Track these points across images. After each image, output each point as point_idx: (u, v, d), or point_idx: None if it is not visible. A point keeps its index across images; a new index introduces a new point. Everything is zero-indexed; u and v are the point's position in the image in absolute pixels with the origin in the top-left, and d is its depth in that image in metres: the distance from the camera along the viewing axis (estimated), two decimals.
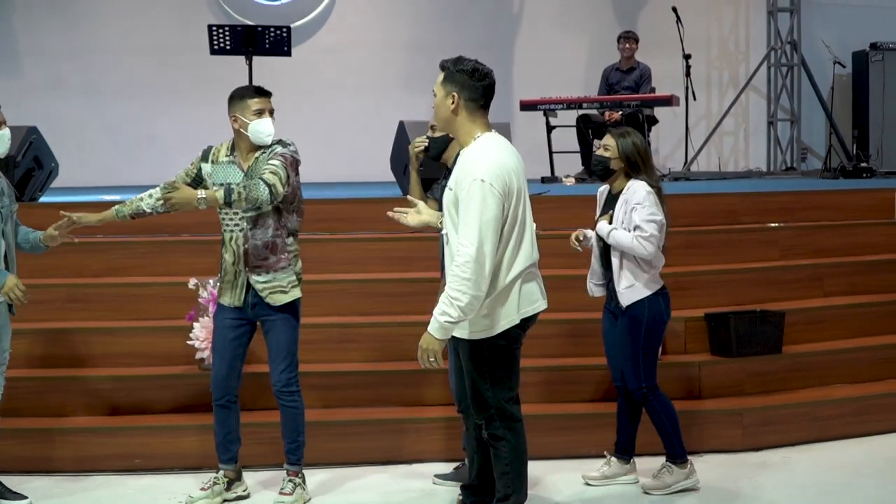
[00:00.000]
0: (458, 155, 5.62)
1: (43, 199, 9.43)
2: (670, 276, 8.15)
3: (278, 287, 6.17)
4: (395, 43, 14.58)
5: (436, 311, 5.11)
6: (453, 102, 5.32)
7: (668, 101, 12.24)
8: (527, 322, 5.33)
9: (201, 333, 7.17)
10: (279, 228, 6.14)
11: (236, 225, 6.15)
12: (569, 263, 7.68)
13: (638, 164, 6.43)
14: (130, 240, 8.39)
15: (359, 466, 6.96)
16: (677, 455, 6.50)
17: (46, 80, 14.06)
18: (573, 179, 11.99)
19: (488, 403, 5.33)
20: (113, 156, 13.71)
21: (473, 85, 5.37)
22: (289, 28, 11.18)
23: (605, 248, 6.47)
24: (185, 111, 13.78)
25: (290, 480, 6.32)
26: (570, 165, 12.54)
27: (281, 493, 6.29)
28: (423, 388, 7.32)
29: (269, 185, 5.90)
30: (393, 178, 9.85)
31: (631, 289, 6.36)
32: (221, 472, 6.39)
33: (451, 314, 5.06)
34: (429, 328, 5.12)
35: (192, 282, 7.34)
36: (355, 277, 8.12)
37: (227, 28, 11.08)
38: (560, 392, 7.48)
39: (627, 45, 12.77)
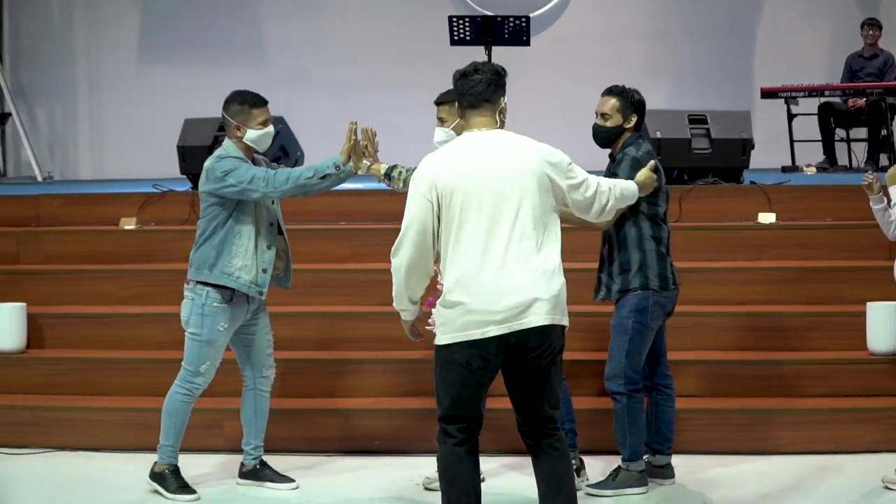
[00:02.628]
0: (624, 144, 6.12)
1: None
2: None
3: None
4: (634, 31, 14.44)
5: None
6: (461, 112, 5.25)
7: None
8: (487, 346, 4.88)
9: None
10: None
11: None
12: None
13: None
14: (369, 227, 8.59)
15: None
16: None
17: (291, 72, 14.44)
18: (814, 169, 11.72)
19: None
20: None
21: (462, 91, 5.17)
22: (528, 18, 11.21)
23: None
24: (425, 102, 13.90)
25: None
26: (811, 154, 12.24)
27: None
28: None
29: None
30: None
31: None
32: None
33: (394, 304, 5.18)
34: None
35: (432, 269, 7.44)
36: None
37: (466, 19, 11.19)
38: None
39: (871, 32, 12.44)
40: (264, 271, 6.40)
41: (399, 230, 5.00)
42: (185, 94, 14.08)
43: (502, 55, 11.32)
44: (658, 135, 9.63)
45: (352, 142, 6.27)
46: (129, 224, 9.32)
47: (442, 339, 4.96)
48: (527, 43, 11.23)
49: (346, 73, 14.23)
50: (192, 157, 10.08)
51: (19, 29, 15.04)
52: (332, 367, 7.75)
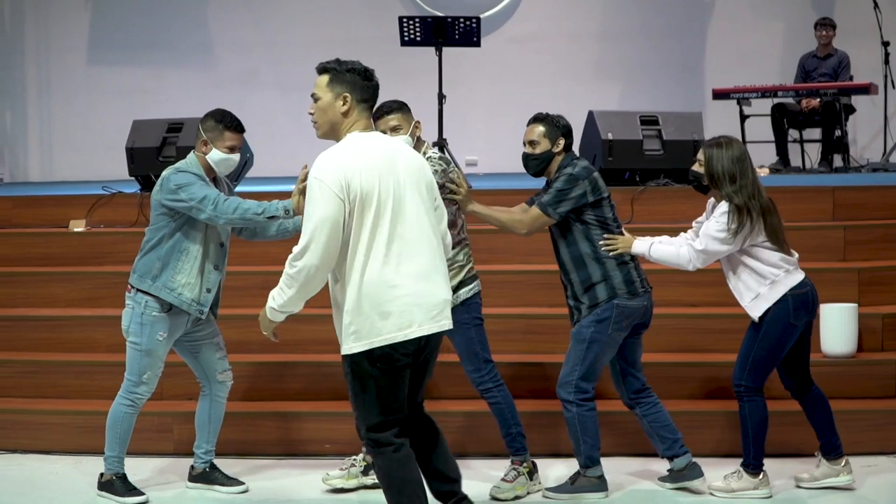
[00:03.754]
0: (559, 168, 6.13)
1: (238, 188, 9.63)
2: (867, 272, 7.99)
3: None
4: (584, 32, 14.47)
5: (271, 292, 5.02)
6: (345, 104, 5.07)
7: (867, 89, 11.93)
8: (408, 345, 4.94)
9: None
10: None
11: None
12: None
13: (720, 181, 6.22)
14: None
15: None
16: (750, 464, 6.35)
17: (240, 73, 14.40)
18: (767, 170, 11.76)
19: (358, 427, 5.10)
20: (301, 146, 13.92)
21: (365, 85, 5.14)
22: (478, 19, 11.20)
23: None
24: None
25: (513, 469, 6.50)
26: (764, 155, 12.30)
27: (502, 480, 6.48)
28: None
29: None
30: None
31: (756, 300, 6.23)
32: (361, 455, 6.58)
33: (272, 303, 5.02)
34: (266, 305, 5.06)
35: None
36: (534, 268, 8.16)
37: (417, 19, 11.17)
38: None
39: (825, 33, 12.48)
40: (208, 291, 6.39)
41: None
42: (134, 95, 14.05)
43: (453, 56, 11.35)
44: (610, 136, 9.65)
45: (302, 184, 5.89)
46: (78, 226, 9.26)
47: (357, 346, 4.91)
48: (477, 44, 11.22)
49: (295, 74, 14.15)
50: (140, 159, 10.04)
51: None
52: (279, 369, 7.76)
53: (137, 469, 6.72)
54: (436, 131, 10.68)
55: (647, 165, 9.70)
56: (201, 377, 6.65)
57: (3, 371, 7.94)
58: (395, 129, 6.34)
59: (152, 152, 9.96)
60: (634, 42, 14.36)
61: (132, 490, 6.46)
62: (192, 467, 6.72)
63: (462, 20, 11.10)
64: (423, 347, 5.01)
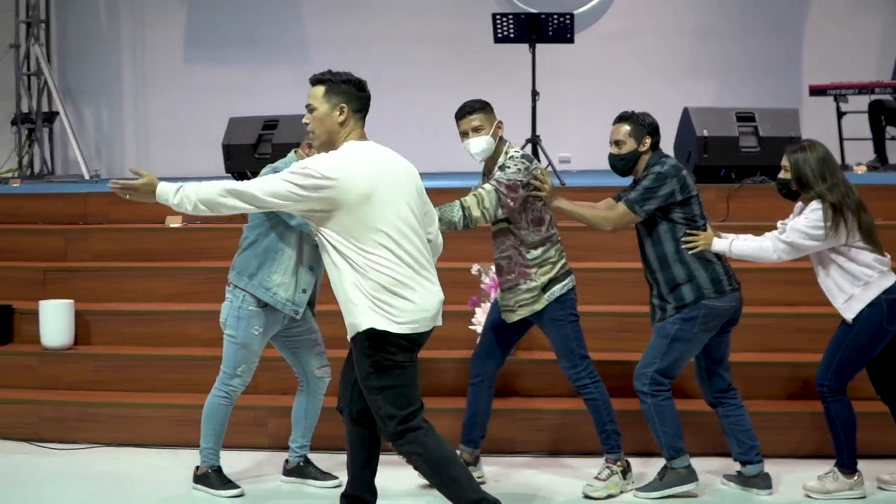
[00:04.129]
0: (646, 166, 6.21)
1: None
2: None
3: (507, 307, 6.47)
4: (677, 29, 14.34)
5: (174, 186, 5.15)
6: (342, 114, 5.30)
7: None
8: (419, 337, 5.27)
9: (483, 319, 7.25)
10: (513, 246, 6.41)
11: None
12: None
13: (811, 182, 6.15)
14: None
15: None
16: (844, 464, 6.26)
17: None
18: (865, 167, 11.59)
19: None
20: (396, 143, 13.95)
21: (360, 96, 5.37)
22: (572, 15, 11.14)
23: None
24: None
25: (607, 467, 6.48)
26: (861, 153, 12.12)
27: (595, 478, 6.47)
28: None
29: (463, 208, 6.16)
30: None
31: (849, 302, 6.14)
32: (458, 451, 6.52)
33: (182, 192, 5.15)
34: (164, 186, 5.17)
35: (475, 268, 7.44)
36: (627, 266, 8.09)
37: (510, 16, 11.15)
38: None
39: None
40: (304, 291, 6.41)
41: None
42: (229, 92, 14.17)
43: (546, 53, 11.31)
44: (705, 133, 9.57)
45: None
46: (174, 222, 9.37)
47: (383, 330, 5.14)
48: (571, 40, 11.17)
49: (388, 71, 14.21)
50: (236, 155, 10.14)
51: (66, 29, 15.14)
52: None
53: (232, 462, 6.79)
54: (529, 128, 10.65)
55: (743, 162, 9.60)
56: (299, 373, 6.69)
57: (99, 364, 8.07)
58: (476, 130, 6.35)
59: (248, 149, 10.06)
60: (728, 39, 14.21)
61: (227, 483, 6.52)
62: (287, 461, 6.78)
63: (556, 17, 11.06)
64: (421, 344, 5.31)
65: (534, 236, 6.33)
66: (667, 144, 9.70)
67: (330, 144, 5.31)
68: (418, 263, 5.21)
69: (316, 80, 5.38)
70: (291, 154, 6.46)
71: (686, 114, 9.90)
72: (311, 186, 5.04)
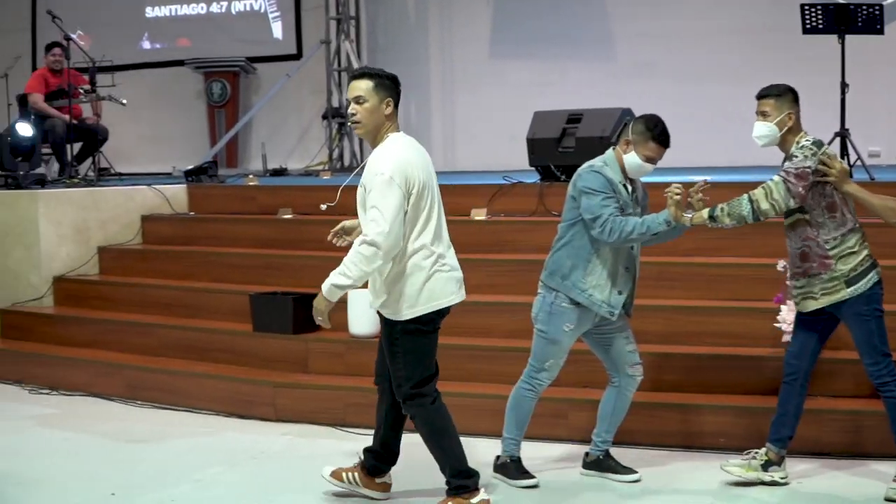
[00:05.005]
0: None
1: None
2: None
3: (809, 293, 6.28)
4: None
5: (331, 275, 5.74)
6: (388, 107, 5.87)
7: None
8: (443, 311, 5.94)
9: (788, 316, 7.14)
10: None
11: None
12: None
13: None
14: None
15: None
16: None
17: (637, 64, 14.42)
18: None
19: (399, 383, 5.94)
20: (696, 136, 13.83)
21: (398, 91, 5.93)
22: (881, 6, 10.82)
23: None
24: None
25: None
26: None
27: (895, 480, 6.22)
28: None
29: (752, 202, 6.10)
30: None
31: None
32: (764, 449, 6.45)
33: (341, 280, 5.72)
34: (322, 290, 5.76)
35: (781, 264, 7.32)
36: None
37: (819, 7, 10.91)
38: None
39: None
40: (620, 293, 6.43)
41: None
42: (534, 87, 14.33)
43: (854, 44, 11.00)
44: None
45: (678, 195, 6.22)
46: (479, 214, 9.57)
47: (402, 313, 5.88)
48: (881, 31, 10.83)
49: (689, 64, 14.10)
50: (540, 149, 10.25)
51: (376, 25, 15.65)
52: (678, 361, 7.69)
53: (531, 453, 6.87)
54: (838, 121, 10.38)
55: None
56: (611, 369, 6.69)
57: None
58: (763, 115, 6.30)
59: (552, 143, 10.16)
60: None
61: (524, 473, 6.64)
62: (587, 454, 6.83)
63: (865, 7, 10.76)
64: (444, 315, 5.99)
65: (829, 224, 6.19)
66: None
67: (374, 133, 5.90)
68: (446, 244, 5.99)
69: (361, 74, 5.89)
70: (610, 151, 6.51)
71: None
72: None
